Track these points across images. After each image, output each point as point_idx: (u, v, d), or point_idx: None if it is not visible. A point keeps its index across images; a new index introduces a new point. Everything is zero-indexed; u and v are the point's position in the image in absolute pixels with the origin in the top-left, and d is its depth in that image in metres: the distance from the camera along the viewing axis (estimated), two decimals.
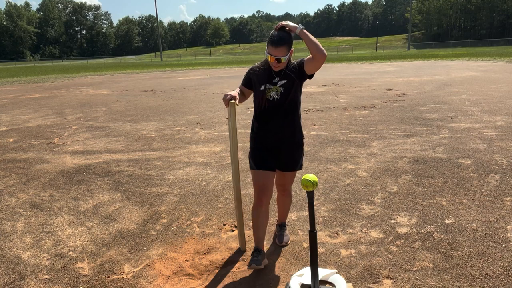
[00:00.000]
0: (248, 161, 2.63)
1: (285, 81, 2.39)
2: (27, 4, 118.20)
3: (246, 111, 8.78)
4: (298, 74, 2.39)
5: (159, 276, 2.52)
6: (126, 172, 4.74)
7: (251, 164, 2.55)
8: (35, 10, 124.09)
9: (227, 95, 2.38)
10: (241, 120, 7.81)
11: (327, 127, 6.80)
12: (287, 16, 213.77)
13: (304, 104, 9.53)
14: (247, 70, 2.57)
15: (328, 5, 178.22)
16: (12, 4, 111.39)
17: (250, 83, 2.52)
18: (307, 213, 3.32)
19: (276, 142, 2.47)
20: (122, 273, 2.57)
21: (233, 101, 2.38)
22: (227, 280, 2.44)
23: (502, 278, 2.32)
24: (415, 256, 2.59)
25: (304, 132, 6.54)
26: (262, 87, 2.41)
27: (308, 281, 2.24)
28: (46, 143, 6.50)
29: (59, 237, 3.11)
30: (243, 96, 2.57)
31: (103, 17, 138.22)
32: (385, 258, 2.58)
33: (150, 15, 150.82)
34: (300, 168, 2.58)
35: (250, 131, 2.62)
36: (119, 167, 4.96)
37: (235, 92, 2.41)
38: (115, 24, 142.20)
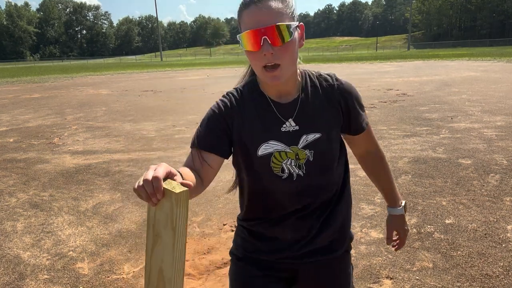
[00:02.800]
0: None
1: (315, 133, 1.08)
2: (27, 4, 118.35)
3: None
4: (343, 113, 1.14)
5: None
6: (126, 172, 4.74)
7: None
8: (35, 10, 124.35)
9: (154, 171, 0.76)
10: None
11: None
12: None
13: None
14: (211, 108, 1.10)
15: (328, 5, 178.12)
16: (12, 4, 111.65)
17: (224, 140, 1.07)
18: None
19: (294, 260, 1.16)
20: (122, 273, 2.57)
21: (183, 188, 0.75)
22: (227, 280, 2.44)
23: (502, 278, 2.32)
24: (415, 256, 2.60)
25: None
26: (262, 149, 1.06)
27: None
28: (46, 143, 6.50)
29: (59, 237, 3.12)
30: (197, 180, 0.99)
31: (103, 17, 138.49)
32: (385, 258, 2.59)
33: (150, 15, 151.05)
34: None
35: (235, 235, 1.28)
36: (119, 167, 4.96)
37: (171, 169, 0.79)
38: (115, 24, 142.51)
